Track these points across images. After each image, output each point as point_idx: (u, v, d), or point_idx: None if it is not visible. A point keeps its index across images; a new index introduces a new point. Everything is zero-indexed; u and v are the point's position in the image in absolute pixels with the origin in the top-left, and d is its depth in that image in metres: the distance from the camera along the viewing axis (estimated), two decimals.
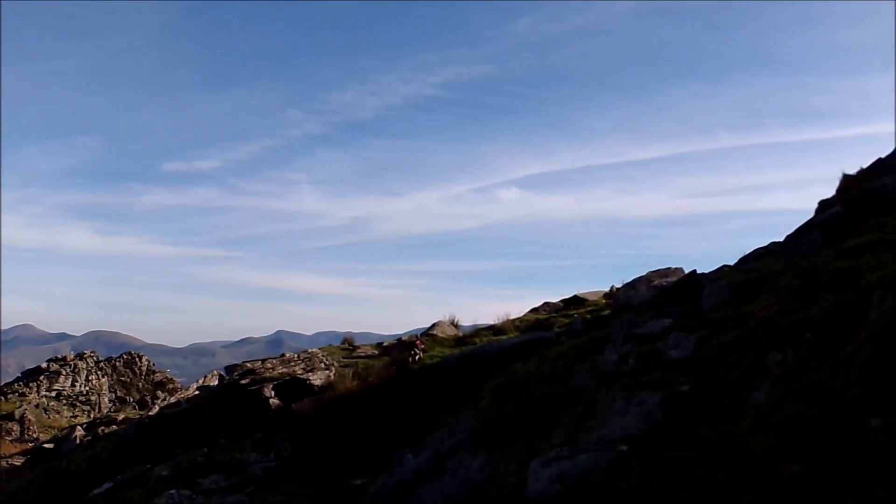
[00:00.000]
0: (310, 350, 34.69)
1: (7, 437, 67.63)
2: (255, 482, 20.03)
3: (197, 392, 44.64)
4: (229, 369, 33.42)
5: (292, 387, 29.19)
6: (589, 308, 35.03)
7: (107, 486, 24.99)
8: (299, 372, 30.27)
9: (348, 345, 39.40)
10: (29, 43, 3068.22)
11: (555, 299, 40.16)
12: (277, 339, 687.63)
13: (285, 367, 30.99)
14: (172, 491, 18.90)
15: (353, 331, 41.11)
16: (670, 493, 7.60)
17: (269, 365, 31.48)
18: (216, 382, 44.42)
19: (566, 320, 32.57)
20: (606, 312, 30.09)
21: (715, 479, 7.31)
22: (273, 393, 29.05)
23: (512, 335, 32.28)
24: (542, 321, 34.31)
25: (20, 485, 35.32)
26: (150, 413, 40.65)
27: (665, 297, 20.77)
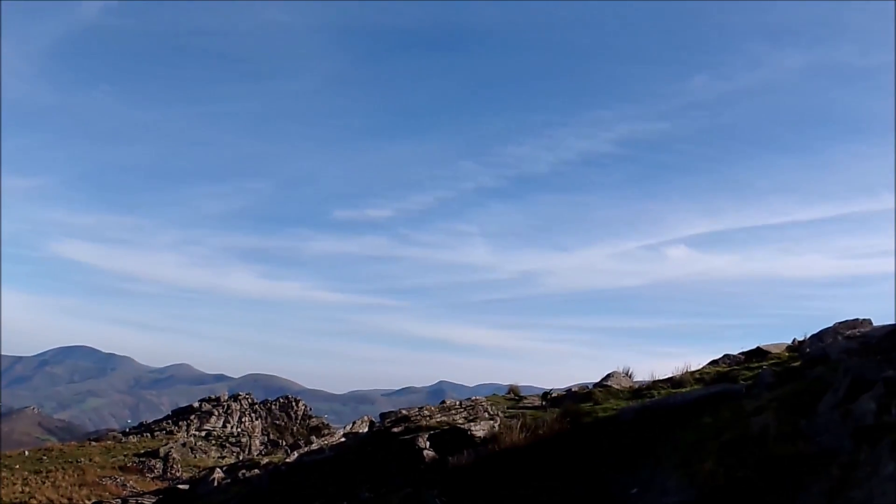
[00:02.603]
0: (473, 398, 31.76)
1: (149, 475, 70.82)
2: None
3: (343, 439, 41.80)
4: (384, 416, 30.66)
5: (451, 438, 25.96)
6: (772, 361, 31.85)
7: None
8: (460, 421, 27.16)
9: (514, 394, 37.02)
10: (198, 84, 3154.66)
11: (734, 352, 36.93)
12: (439, 390, 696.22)
13: (444, 416, 27.99)
14: None
15: (518, 383, 39.54)
16: None
17: (426, 412, 28.44)
18: (366, 429, 42.00)
19: (749, 373, 29.40)
20: (796, 364, 26.99)
21: None
22: (428, 444, 25.85)
23: (693, 388, 29.21)
24: (724, 373, 31.15)
25: None
26: (287, 460, 38.35)
27: (893, 339, 17.56)
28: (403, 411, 29.14)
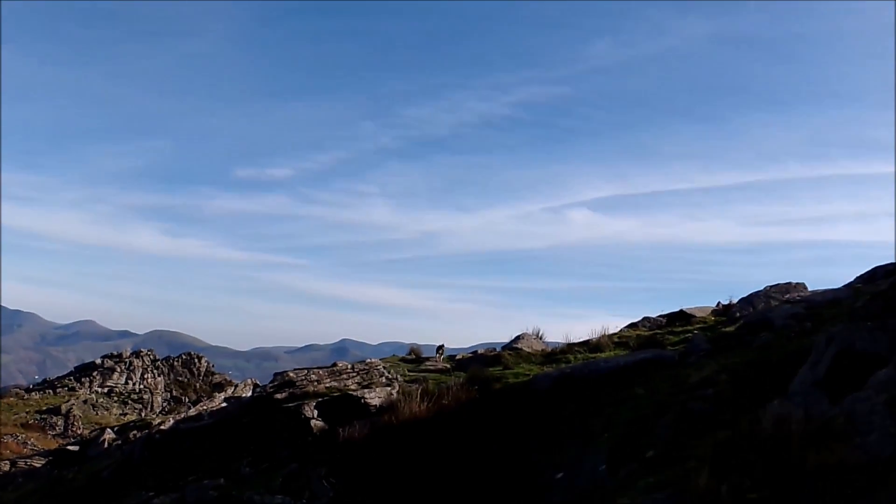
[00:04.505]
0: (368, 361, 27.91)
1: (50, 432, 68.16)
2: None
3: (224, 405, 38.67)
4: (278, 376, 27.24)
5: (342, 406, 22.60)
6: (698, 325, 29.86)
7: None
8: (353, 387, 23.79)
9: (415, 356, 33.36)
10: (101, 44, 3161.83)
11: (653, 314, 34.76)
12: (342, 348, 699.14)
13: (335, 381, 24.40)
14: None
15: (420, 343, 36.71)
16: None
17: (314, 376, 24.62)
18: (249, 393, 38.74)
19: (675, 338, 27.27)
20: (729, 330, 24.99)
21: None
22: (316, 412, 22.44)
23: (615, 353, 26.60)
24: (649, 338, 28.51)
25: (19, 495, 31.20)
26: (162, 427, 35.15)
27: (881, 302, 14.81)
28: (290, 374, 25.46)
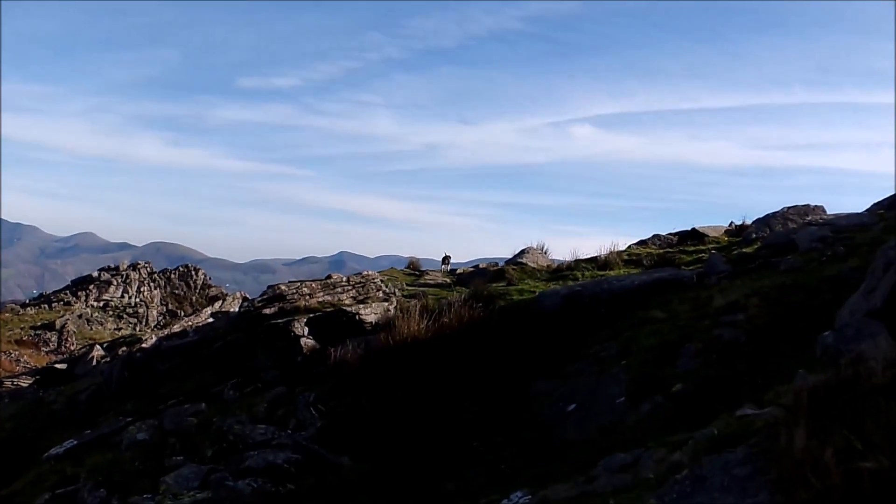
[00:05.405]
0: (365, 273, 25.96)
1: (44, 349, 67.50)
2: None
3: (210, 320, 37.07)
4: (269, 289, 25.51)
5: (335, 322, 21.13)
6: (711, 245, 28.94)
7: (68, 444, 18.14)
8: (347, 302, 22.23)
9: (414, 269, 32.64)
10: None
11: (663, 232, 33.69)
12: (340, 261, 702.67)
13: (328, 295, 22.76)
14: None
15: (419, 256, 35.84)
16: None
17: (306, 290, 22.93)
18: (237, 308, 37.23)
19: (688, 257, 26.48)
20: (748, 251, 23.83)
21: None
22: (307, 330, 20.91)
23: (626, 271, 25.65)
24: (659, 256, 27.75)
25: None
26: (143, 345, 33.67)
27: None
28: (282, 287, 23.68)
